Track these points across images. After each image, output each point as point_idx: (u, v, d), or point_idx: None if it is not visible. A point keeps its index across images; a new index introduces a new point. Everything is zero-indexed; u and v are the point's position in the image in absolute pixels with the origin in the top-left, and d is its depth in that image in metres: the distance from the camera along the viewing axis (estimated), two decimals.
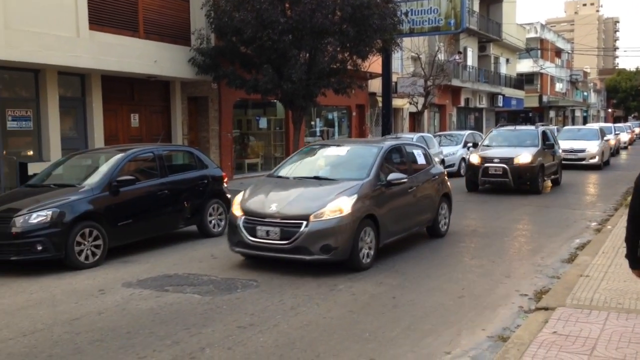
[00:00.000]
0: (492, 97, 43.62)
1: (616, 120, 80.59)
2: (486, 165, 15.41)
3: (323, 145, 9.94)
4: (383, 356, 4.95)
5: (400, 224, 8.57)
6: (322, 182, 8.12)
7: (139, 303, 6.45)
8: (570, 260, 7.98)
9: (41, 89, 13.47)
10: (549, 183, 16.98)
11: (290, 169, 8.92)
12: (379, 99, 25.55)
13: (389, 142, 9.22)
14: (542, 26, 59.95)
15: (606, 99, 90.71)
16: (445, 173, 10.41)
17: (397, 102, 27.82)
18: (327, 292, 6.80)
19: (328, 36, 15.61)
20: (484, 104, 42.67)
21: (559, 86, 64.63)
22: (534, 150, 15.51)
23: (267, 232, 7.48)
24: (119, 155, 9.18)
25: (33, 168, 11.93)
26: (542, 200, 14.57)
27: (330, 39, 15.73)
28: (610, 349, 4.64)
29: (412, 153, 9.67)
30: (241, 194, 8.31)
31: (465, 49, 38.15)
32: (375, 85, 25.85)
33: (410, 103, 28.28)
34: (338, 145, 9.50)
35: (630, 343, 4.74)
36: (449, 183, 10.32)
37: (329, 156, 9.17)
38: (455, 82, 34.78)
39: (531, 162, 15.11)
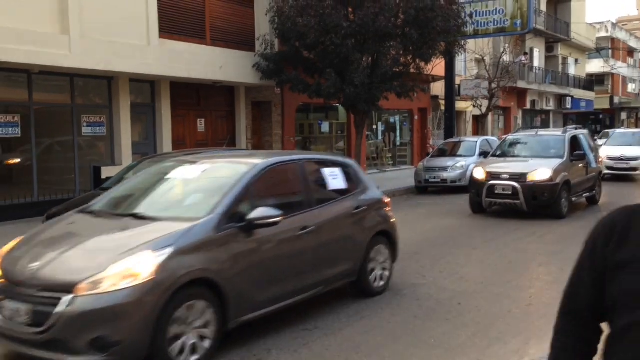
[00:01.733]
0: (560, 98, 42.32)
1: None
2: (492, 182, 12.17)
3: (179, 162, 6.54)
4: None
5: (282, 286, 5.56)
6: (135, 223, 5.24)
7: None
8: None
9: (114, 95, 14.04)
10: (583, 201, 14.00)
11: (111, 201, 6.02)
12: (442, 102, 25.25)
13: (273, 159, 6.15)
14: (614, 25, 57.67)
15: None
16: (385, 201, 7.31)
17: (460, 105, 27.41)
18: (391, 296, 6.79)
19: (391, 40, 15.58)
20: (551, 105, 41.45)
21: (631, 87, 61.99)
22: (557, 162, 12.27)
23: (16, 310, 4.51)
24: None
25: (106, 172, 12.44)
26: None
27: (393, 43, 15.69)
28: None
29: (320, 173, 6.64)
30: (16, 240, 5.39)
31: (531, 49, 37.19)
32: (438, 88, 25.57)
33: (474, 106, 27.82)
34: (193, 163, 6.35)
35: None
36: (390, 214, 7.29)
37: (171, 180, 6.21)
38: (521, 84, 33.93)
39: (550, 179, 11.80)
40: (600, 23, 54.46)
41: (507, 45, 30.98)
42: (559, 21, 40.31)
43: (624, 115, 59.34)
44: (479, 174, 12.61)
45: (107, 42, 12.59)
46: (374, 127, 24.31)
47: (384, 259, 7.00)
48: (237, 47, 16.33)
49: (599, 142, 21.97)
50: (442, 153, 18.54)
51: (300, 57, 16.42)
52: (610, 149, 19.91)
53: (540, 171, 11.99)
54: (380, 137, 24.82)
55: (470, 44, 27.93)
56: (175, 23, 14.86)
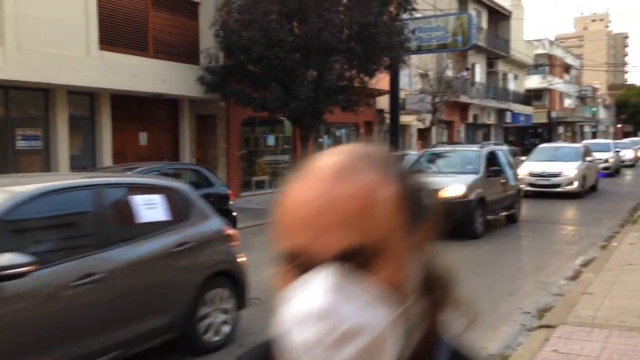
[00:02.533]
0: (501, 113, 43.64)
1: (626, 135, 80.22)
2: None
3: None
4: None
5: (48, 357, 4.21)
6: None
7: None
8: (575, 277, 7.96)
9: (51, 108, 13.67)
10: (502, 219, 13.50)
11: None
12: (387, 115, 25.64)
13: (46, 185, 4.66)
14: (551, 42, 60.05)
15: (615, 115, 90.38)
16: (228, 233, 6.01)
17: (405, 119, 27.89)
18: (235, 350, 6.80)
19: (335, 54, 15.76)
20: (492, 120, 42.68)
21: (567, 102, 64.53)
22: (471, 178, 11.71)
23: None
24: (125, 174, 9.27)
25: None
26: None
27: (337, 57, 15.88)
28: None
29: (129, 202, 5.16)
30: None
31: (473, 65, 38.26)
32: (384, 102, 25.96)
33: (418, 120, 28.36)
34: None
35: None
36: (236, 249, 6.04)
37: None
38: (464, 99, 34.84)
39: (464, 195, 11.18)
40: (538, 40, 56.60)
41: (449, 61, 31.78)
42: (499, 38, 41.67)
43: (561, 129, 61.63)
44: None
45: (44, 53, 12.27)
46: (320, 140, 24.45)
47: (225, 307, 5.64)
48: (180, 60, 16.19)
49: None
50: None
51: (245, 71, 16.40)
52: (532, 165, 19.24)
53: (453, 187, 11.20)
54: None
55: (414, 59, 28.53)
56: (117, 34, 14.62)
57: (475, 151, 13.06)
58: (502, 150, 14.02)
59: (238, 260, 5.98)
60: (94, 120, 14.74)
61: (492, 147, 13.77)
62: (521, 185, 17.95)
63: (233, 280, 5.83)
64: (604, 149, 28.18)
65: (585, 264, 8.69)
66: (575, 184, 18.19)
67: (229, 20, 15.57)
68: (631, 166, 34.53)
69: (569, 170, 18.35)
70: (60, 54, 12.62)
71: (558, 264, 9.16)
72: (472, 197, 11.28)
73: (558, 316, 5.99)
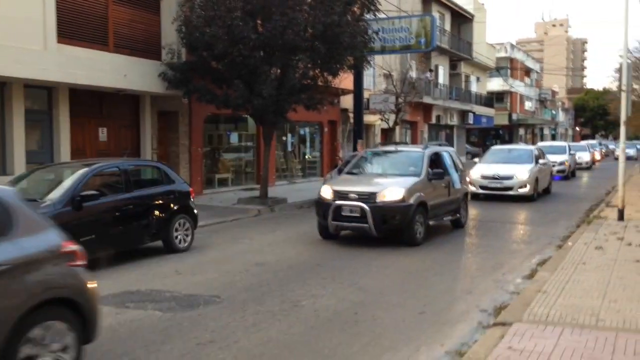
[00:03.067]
0: (463, 114, 44.27)
1: (584, 138, 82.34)
2: (339, 202, 10.55)
3: None
4: None
5: None
6: None
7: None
8: (531, 276, 8.12)
9: (6, 102, 13.28)
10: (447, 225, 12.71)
11: None
12: (351, 115, 25.73)
13: None
14: (512, 46, 61.18)
15: (574, 118, 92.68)
16: (64, 251, 4.85)
17: (369, 119, 28.04)
18: (290, 308, 6.80)
19: (299, 53, 15.70)
20: (455, 121, 43.26)
21: (528, 105, 65.86)
22: (411, 181, 10.85)
23: None
24: (83, 170, 9.09)
25: None
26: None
27: (301, 56, 15.81)
28: None
29: None
30: None
31: (436, 67, 38.71)
32: (348, 101, 26.04)
33: (382, 119, 28.55)
34: None
35: (583, 358, 4.84)
36: (80, 271, 4.95)
37: None
38: (427, 99, 35.23)
39: (402, 199, 10.32)
40: (500, 44, 57.61)
41: (413, 62, 32.08)
42: (462, 40, 42.27)
43: (521, 131, 62.90)
44: (326, 193, 10.97)
45: None
46: (284, 138, 24.39)
47: (60, 345, 4.52)
48: (142, 55, 15.92)
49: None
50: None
51: (208, 67, 16.22)
52: (484, 167, 18.75)
53: (391, 190, 10.50)
54: (290, 149, 24.92)
55: (378, 59, 28.73)
56: (76, 28, 14.29)
57: (417, 152, 12.15)
58: (448, 152, 13.29)
59: (83, 283, 4.85)
60: (51, 115, 14.37)
61: (436, 148, 13.01)
62: (472, 188, 17.54)
63: (74, 309, 4.67)
64: (560, 151, 27.76)
65: (541, 263, 8.87)
66: (528, 187, 17.79)
67: (192, 16, 15.36)
68: (587, 169, 34.62)
69: (521, 173, 17.91)
70: (16, 46, 12.26)
71: (515, 263, 9.32)
72: (411, 201, 10.47)
73: (513, 314, 6.09)
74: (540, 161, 19.43)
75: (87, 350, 5.33)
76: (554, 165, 23.92)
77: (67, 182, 8.84)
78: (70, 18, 14.10)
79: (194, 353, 5.36)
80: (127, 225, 9.34)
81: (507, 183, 17.92)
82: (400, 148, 13.24)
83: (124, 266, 9.05)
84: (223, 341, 5.68)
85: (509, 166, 18.37)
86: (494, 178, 18.14)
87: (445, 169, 12.12)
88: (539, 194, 18.56)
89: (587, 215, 14.17)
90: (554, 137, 76.31)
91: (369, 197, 10.44)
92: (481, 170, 18.57)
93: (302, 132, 25.95)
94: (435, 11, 36.63)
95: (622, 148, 13.34)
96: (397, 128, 31.05)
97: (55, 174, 9.80)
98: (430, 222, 11.23)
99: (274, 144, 20.53)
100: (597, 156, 41.94)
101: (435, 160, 12.10)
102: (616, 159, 33.76)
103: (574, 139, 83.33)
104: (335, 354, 5.40)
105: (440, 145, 13.63)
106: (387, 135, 30.76)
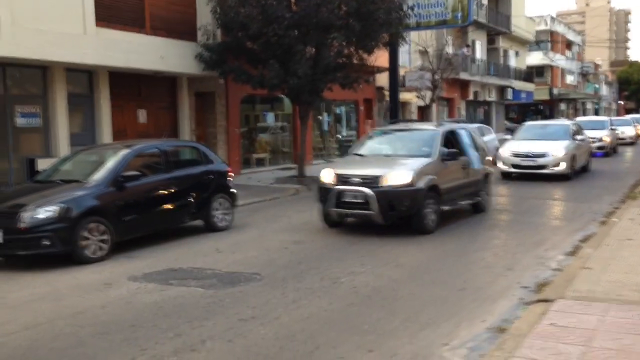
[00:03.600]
0: (502, 90, 43.39)
1: (628, 112, 79.87)
2: (341, 187, 9.66)
3: None
4: (381, 348, 5.00)
5: None
6: None
7: (144, 296, 6.54)
8: (573, 252, 7.98)
9: (49, 85, 13.60)
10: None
11: None
12: (387, 93, 25.51)
13: None
14: (553, 18, 59.49)
15: (618, 91, 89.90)
16: None
17: (405, 96, 27.76)
18: (329, 285, 6.85)
19: (334, 31, 15.60)
20: (493, 97, 42.46)
21: (569, 79, 64.15)
22: (421, 163, 9.84)
23: None
24: (125, 151, 9.27)
25: (41, 164, 12.08)
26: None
27: (335, 34, 15.72)
28: (607, 339, 4.65)
29: None
30: None
31: (473, 42, 37.95)
32: (383, 79, 25.79)
33: (418, 97, 28.22)
34: None
35: (628, 334, 4.75)
36: None
37: None
38: (464, 76, 34.62)
39: (411, 183, 9.37)
40: (540, 17, 56.07)
41: (449, 37, 31.52)
42: (500, 14, 41.26)
43: (562, 106, 61.37)
44: (327, 176, 10.02)
45: (40, 31, 12.15)
46: (320, 117, 24.36)
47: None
48: (178, 37, 16.04)
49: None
50: None
51: (243, 48, 16.28)
52: (517, 144, 17.66)
53: (398, 173, 9.52)
54: (326, 128, 24.90)
55: (414, 35, 28.31)
56: (113, 11, 14.47)
57: (430, 131, 11.15)
58: (466, 129, 12.11)
59: None
60: (92, 98, 14.66)
61: (452, 126, 11.82)
62: (504, 167, 17.14)
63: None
64: (599, 126, 26.56)
65: (585, 240, 8.71)
66: (563, 165, 16.56)
67: None
68: (631, 144, 33.07)
69: (556, 150, 16.69)
70: (56, 30, 12.51)
71: (557, 240, 9.17)
72: (420, 185, 9.50)
73: (556, 290, 6.01)
74: (578, 137, 18.25)
75: (136, 326, 5.50)
76: (593, 142, 22.91)
77: (110, 164, 9.03)
78: (108, 1, 14.28)
79: (236, 328, 5.46)
80: (167, 205, 9.52)
81: (540, 161, 16.72)
82: (411, 126, 12.39)
83: (165, 245, 9.23)
84: (264, 317, 5.76)
85: (543, 143, 17.16)
86: (526, 156, 16.96)
87: (462, 148, 11.06)
88: (576, 172, 17.49)
89: (632, 190, 13.80)
90: (597, 112, 74.28)
91: (373, 181, 9.47)
92: (513, 148, 17.48)
93: (338, 111, 25.86)
94: None
95: None
96: (434, 105, 30.67)
97: (98, 155, 10.01)
98: (445, 208, 10.21)
99: (310, 124, 20.53)
100: None
101: (451, 139, 11.01)
102: None
103: (618, 113, 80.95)
104: (375, 329, 5.42)
105: (457, 122, 12.40)
106: (424, 113, 30.45)
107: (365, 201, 9.41)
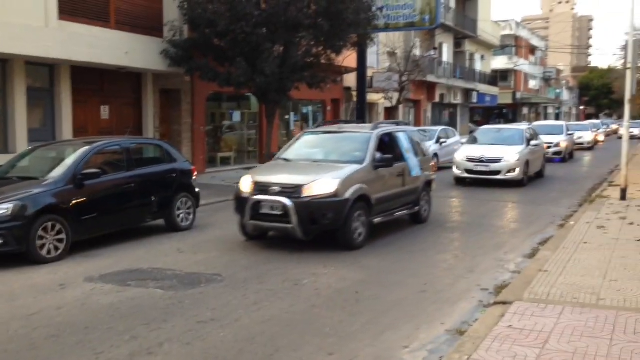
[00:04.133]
0: (467, 93, 43.97)
1: (588, 117, 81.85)
2: (258, 198, 8.58)
3: None
4: (342, 351, 4.99)
5: None
6: None
7: (100, 298, 6.40)
8: (532, 255, 8.11)
9: (8, 79, 13.23)
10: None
11: None
12: (354, 93, 25.60)
13: None
14: (517, 24, 60.56)
15: (579, 97, 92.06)
16: None
17: (372, 97, 27.90)
18: (291, 287, 6.82)
19: (302, 30, 15.58)
20: (458, 99, 43.00)
21: (532, 83, 65.40)
22: (349, 170, 8.83)
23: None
24: (85, 148, 9.07)
25: None
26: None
27: (304, 33, 15.70)
28: (563, 342, 4.73)
29: None
30: None
31: (440, 44, 38.36)
32: (351, 79, 25.88)
33: (385, 98, 28.39)
34: None
35: (583, 337, 4.84)
36: None
37: None
38: (431, 78, 34.98)
39: (335, 193, 8.34)
40: (505, 21, 57.02)
41: (417, 39, 31.80)
42: (467, 18, 41.82)
43: (525, 110, 62.53)
44: (245, 184, 8.96)
45: (0, 23, 11.81)
46: (287, 117, 24.30)
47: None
48: (144, 32, 15.79)
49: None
50: None
51: (211, 45, 16.12)
52: (470, 149, 17.29)
53: (321, 182, 8.45)
54: (292, 127, 24.85)
55: (382, 37, 28.47)
56: (77, 4, 14.17)
57: (363, 134, 9.88)
58: (406, 133, 10.96)
59: None
60: (53, 93, 14.33)
61: (389, 129, 10.56)
62: (457, 172, 16.87)
63: None
64: (556, 131, 25.88)
65: (543, 243, 8.86)
66: (517, 171, 16.17)
67: None
68: (589, 149, 33.10)
69: (510, 156, 16.24)
70: (17, 23, 12.19)
71: (516, 242, 9.31)
72: (347, 195, 8.48)
73: (514, 293, 6.09)
74: (533, 142, 17.81)
75: (90, 328, 5.39)
76: (549, 147, 23.03)
77: (69, 161, 8.83)
78: None
79: (195, 331, 5.39)
80: (128, 204, 9.35)
81: (494, 166, 16.30)
82: (344, 128, 10.86)
83: (125, 244, 9.07)
84: (224, 319, 5.70)
85: (497, 148, 16.83)
86: (480, 161, 16.50)
87: (399, 153, 10.14)
88: (530, 178, 17.20)
89: (590, 194, 14.12)
90: (558, 116, 75.93)
91: (293, 191, 8.41)
92: (467, 152, 17.03)
93: (304, 110, 25.84)
94: None
95: (626, 127, 13.24)
96: (401, 107, 30.89)
97: (57, 152, 9.78)
98: (376, 220, 9.29)
99: (277, 123, 20.46)
100: (601, 136, 41.12)
101: (389, 143, 10.10)
102: (619, 138, 33.25)
103: (578, 118, 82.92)
104: (337, 332, 5.41)
105: (398, 124, 11.55)
106: (391, 114, 30.64)
107: (284, 213, 8.34)
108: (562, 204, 13.17)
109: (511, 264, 7.88)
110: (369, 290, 6.71)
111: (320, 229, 8.62)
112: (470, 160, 16.75)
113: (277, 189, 8.58)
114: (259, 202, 8.59)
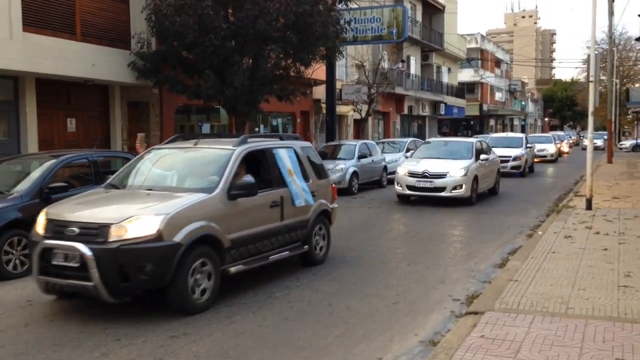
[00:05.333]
0: (435, 105, 44.56)
1: (552, 128, 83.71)
2: (49, 242, 6.15)
3: None
4: None
5: None
6: None
7: (68, 314, 6.26)
8: (502, 265, 8.22)
9: None
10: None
11: None
12: (324, 105, 25.71)
13: None
14: (483, 37, 61.73)
15: (543, 108, 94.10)
16: None
17: (341, 109, 28.05)
18: (263, 300, 6.78)
19: (271, 43, 15.60)
20: (427, 111, 43.54)
21: (498, 95, 66.60)
22: (190, 201, 6.49)
23: None
24: (51, 162, 8.91)
25: None
26: None
27: (273, 46, 15.72)
28: (534, 351, 4.79)
29: None
30: None
31: (408, 57, 38.84)
32: (320, 92, 26.01)
33: (355, 110, 28.58)
34: None
35: (553, 346, 4.92)
36: None
37: None
38: (399, 90, 35.36)
39: (157, 235, 5.96)
40: (471, 35, 58.08)
41: (385, 52, 32.14)
42: (434, 31, 42.49)
43: (492, 122, 63.61)
44: (39, 223, 6.47)
45: None
46: (256, 129, 24.25)
47: None
48: (110, 44, 15.61)
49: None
50: (323, 156, 16.65)
51: (179, 57, 16.03)
52: (413, 163, 15.70)
53: (139, 220, 6.03)
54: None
55: (351, 50, 28.71)
56: (42, 16, 13.94)
57: (221, 151, 7.47)
58: (291, 149, 8.34)
59: None
60: (17, 106, 14.02)
61: (260, 145, 7.97)
62: (398, 188, 15.25)
63: None
64: (515, 144, 24.30)
65: (512, 252, 8.99)
66: (464, 188, 14.70)
67: (162, 4, 15.12)
68: (553, 161, 32.06)
69: (455, 171, 14.78)
70: None
71: (487, 252, 9.43)
72: (177, 237, 6.07)
73: (485, 303, 6.16)
74: (482, 156, 16.04)
75: (60, 345, 5.26)
76: (507, 161, 22.08)
77: (35, 174, 8.67)
78: (36, 6, 13.75)
79: (167, 346, 5.31)
80: None
81: (438, 182, 14.77)
82: (200, 145, 7.95)
83: None
84: (197, 334, 5.63)
85: (442, 162, 15.31)
86: (423, 176, 14.92)
87: (278, 176, 7.88)
88: (479, 196, 15.64)
89: (557, 204, 14.40)
90: (523, 128, 77.44)
91: (97, 233, 5.95)
92: (410, 167, 15.41)
93: (274, 122, 25.83)
94: (407, 2, 36.72)
95: (589, 138, 13.56)
96: (370, 119, 31.12)
97: (23, 165, 9.58)
98: (234, 268, 6.86)
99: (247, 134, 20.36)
100: (565, 147, 41.76)
101: (264, 164, 7.98)
102: (584, 149, 33.69)
103: (543, 130, 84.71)
104: (310, 345, 5.39)
105: (281, 138, 8.99)
106: (360, 126, 30.84)
107: (82, 265, 5.86)
108: (531, 214, 13.40)
109: (482, 274, 7.95)
110: (342, 302, 6.71)
111: (137, 288, 6.07)
112: (412, 175, 15.09)
113: (75, 230, 6.07)
114: (49, 248, 6.10)
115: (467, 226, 12.15)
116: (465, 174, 14.90)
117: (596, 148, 35.60)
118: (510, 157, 22.89)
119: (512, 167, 22.90)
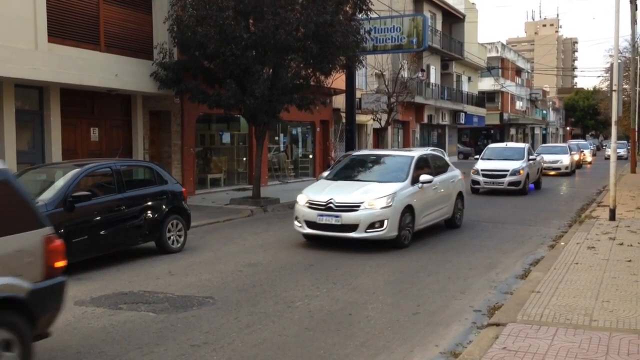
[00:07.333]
0: (455, 114, 44.39)
1: (574, 137, 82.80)
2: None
3: None
4: None
5: None
6: None
7: (91, 322, 6.33)
8: (524, 276, 8.13)
9: None
10: None
11: None
12: (343, 114, 25.73)
13: None
14: (503, 46, 61.40)
15: (564, 117, 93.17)
16: None
17: (361, 118, 28.06)
18: (284, 309, 6.79)
19: (291, 52, 15.69)
20: (446, 120, 43.37)
21: (519, 104, 66.11)
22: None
23: None
24: (75, 171, 9.02)
25: None
26: None
27: (293, 55, 15.81)
28: None
29: None
30: None
31: (428, 66, 38.79)
32: (340, 101, 26.04)
33: (374, 119, 28.58)
34: None
35: (577, 358, 4.85)
36: None
37: None
38: (419, 99, 35.30)
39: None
40: (491, 43, 57.82)
41: (405, 61, 32.14)
42: (453, 40, 42.38)
43: (512, 131, 63.12)
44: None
45: None
46: (276, 138, 24.36)
47: None
48: (133, 55, 15.84)
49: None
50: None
51: (200, 67, 16.18)
52: (318, 189, 11.17)
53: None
54: (282, 149, 24.90)
55: (370, 59, 28.77)
56: (67, 27, 14.20)
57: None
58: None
59: None
60: (42, 115, 14.27)
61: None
62: (296, 225, 10.65)
63: None
64: (515, 155, 20.86)
65: (534, 263, 8.90)
66: (386, 225, 10.02)
67: (184, 15, 15.30)
68: (568, 174, 28.87)
69: (374, 199, 10.18)
70: (6, 45, 12.17)
71: (508, 263, 9.34)
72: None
73: (507, 314, 6.10)
74: (424, 178, 11.04)
75: (82, 353, 5.31)
76: (504, 176, 19.59)
77: (59, 183, 8.78)
78: (61, 17, 14.01)
79: (187, 355, 5.34)
80: (119, 226, 9.28)
81: (347, 218, 9.89)
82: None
83: (116, 267, 8.99)
84: (217, 343, 5.65)
85: (357, 187, 10.63)
86: (327, 208, 10.11)
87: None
88: (418, 234, 11.21)
89: (579, 215, 14.22)
90: (545, 137, 76.76)
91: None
92: (311, 194, 10.73)
93: (294, 132, 25.92)
94: (427, 11, 36.72)
95: (613, 148, 13.39)
96: (389, 128, 31.09)
97: (47, 174, 9.72)
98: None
99: (267, 144, 20.49)
100: (589, 157, 41.01)
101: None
102: (606, 158, 32.75)
103: (564, 139, 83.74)
104: (330, 355, 5.39)
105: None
106: (380, 135, 30.82)
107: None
108: (553, 224, 13.25)
109: (503, 284, 7.88)
110: (362, 312, 6.69)
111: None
112: (313, 206, 10.49)
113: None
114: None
115: (488, 236, 12.05)
116: (390, 204, 10.15)
117: (619, 157, 34.76)
118: (507, 171, 19.72)
119: (510, 184, 19.65)
